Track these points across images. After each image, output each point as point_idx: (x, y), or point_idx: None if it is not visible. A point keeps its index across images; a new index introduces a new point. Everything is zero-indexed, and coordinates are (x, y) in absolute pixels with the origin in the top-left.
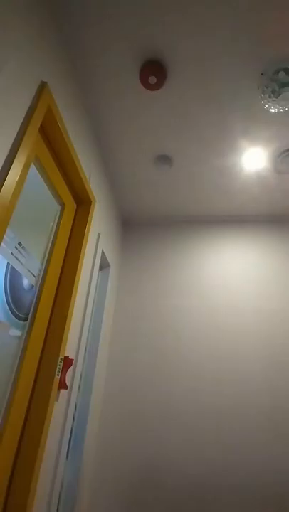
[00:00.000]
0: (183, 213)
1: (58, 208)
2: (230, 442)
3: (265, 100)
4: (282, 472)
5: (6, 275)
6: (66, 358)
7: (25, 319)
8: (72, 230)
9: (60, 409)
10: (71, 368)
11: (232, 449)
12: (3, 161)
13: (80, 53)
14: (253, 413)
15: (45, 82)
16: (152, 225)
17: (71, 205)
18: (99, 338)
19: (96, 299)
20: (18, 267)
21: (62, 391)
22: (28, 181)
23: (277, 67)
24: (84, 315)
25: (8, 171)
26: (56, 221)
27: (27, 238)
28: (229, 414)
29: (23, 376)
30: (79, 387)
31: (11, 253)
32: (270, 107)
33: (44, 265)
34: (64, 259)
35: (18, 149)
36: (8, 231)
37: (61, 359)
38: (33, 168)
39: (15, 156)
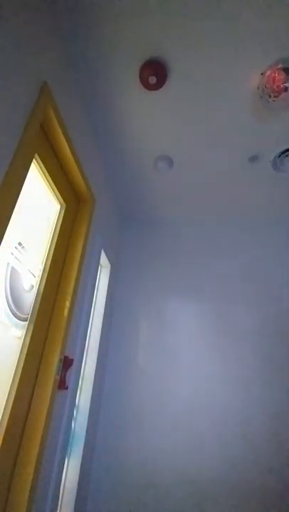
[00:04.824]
0: (183, 213)
1: (58, 207)
2: (229, 442)
3: (265, 100)
4: (280, 472)
5: (6, 275)
6: (66, 358)
7: (25, 319)
8: (72, 229)
9: (60, 409)
10: (71, 368)
11: (230, 449)
12: (3, 161)
13: (80, 53)
14: (253, 413)
15: (45, 82)
16: (152, 225)
17: (71, 204)
18: (99, 338)
19: (96, 299)
20: (18, 267)
21: (62, 391)
22: (28, 181)
23: (277, 67)
24: (84, 315)
25: (9, 170)
26: (56, 221)
27: (27, 238)
28: (230, 414)
29: (24, 376)
30: (79, 387)
31: (11, 253)
32: (269, 106)
33: (44, 265)
34: (64, 259)
35: (18, 149)
36: (8, 231)
37: (61, 359)
38: (33, 168)
39: (15, 155)
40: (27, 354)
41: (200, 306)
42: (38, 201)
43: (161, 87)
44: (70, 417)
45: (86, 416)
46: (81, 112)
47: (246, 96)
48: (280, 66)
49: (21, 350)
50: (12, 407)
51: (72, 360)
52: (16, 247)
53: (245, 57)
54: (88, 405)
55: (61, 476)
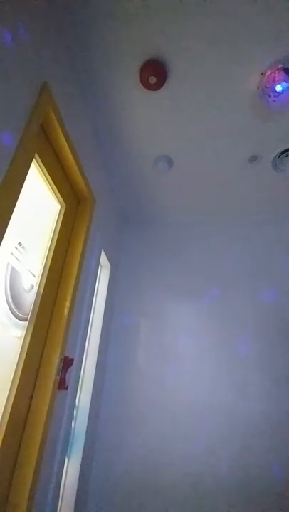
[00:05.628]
0: (183, 213)
1: (58, 207)
2: (230, 442)
3: (265, 100)
4: (281, 472)
5: (6, 275)
6: (66, 358)
7: (25, 319)
8: (72, 229)
9: (60, 409)
10: (71, 368)
11: (231, 449)
12: (3, 161)
13: (80, 53)
14: (254, 413)
15: (45, 82)
16: (152, 225)
17: (71, 204)
18: (99, 338)
19: (96, 299)
20: (18, 267)
21: (62, 391)
22: (28, 181)
23: (277, 67)
24: (84, 315)
25: (9, 170)
26: (56, 221)
27: (27, 238)
28: (231, 414)
29: (24, 376)
30: (79, 387)
31: (11, 253)
32: (269, 106)
33: (44, 265)
34: (64, 259)
35: (18, 148)
36: (8, 231)
37: (61, 359)
38: (33, 168)
39: (15, 155)
40: (27, 354)
41: (200, 306)
42: (38, 201)
43: (161, 87)
44: (70, 416)
45: (86, 416)
46: (81, 111)
47: (246, 96)
48: (280, 66)
49: (21, 350)
50: (12, 407)
51: (72, 360)
52: (16, 247)
53: (245, 57)
54: (88, 405)
55: (61, 476)
